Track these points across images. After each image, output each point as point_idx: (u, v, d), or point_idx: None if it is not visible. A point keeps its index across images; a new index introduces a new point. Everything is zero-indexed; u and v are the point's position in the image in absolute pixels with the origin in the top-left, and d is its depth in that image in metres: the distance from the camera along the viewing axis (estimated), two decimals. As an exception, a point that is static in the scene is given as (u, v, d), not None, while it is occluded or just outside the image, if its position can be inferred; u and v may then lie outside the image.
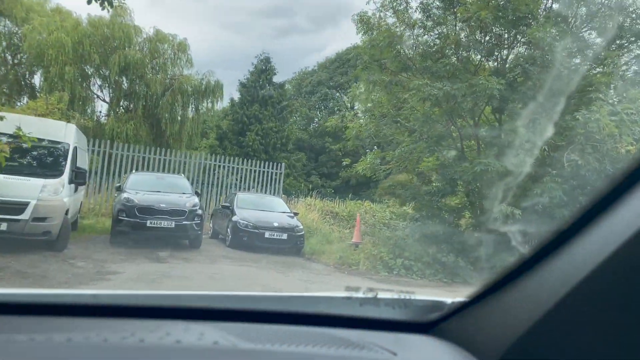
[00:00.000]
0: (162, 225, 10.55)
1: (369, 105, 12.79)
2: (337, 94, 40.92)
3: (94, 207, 15.33)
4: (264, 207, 13.16)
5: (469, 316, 1.11)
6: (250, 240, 11.95)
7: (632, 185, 0.81)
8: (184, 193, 11.64)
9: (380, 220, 17.51)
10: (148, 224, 10.47)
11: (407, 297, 1.26)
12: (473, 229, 12.06)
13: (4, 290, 1.27)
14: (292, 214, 13.29)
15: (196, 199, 11.40)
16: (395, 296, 1.26)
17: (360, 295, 1.27)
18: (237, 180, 18.01)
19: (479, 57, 12.25)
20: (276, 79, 33.13)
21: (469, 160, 11.57)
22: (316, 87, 41.42)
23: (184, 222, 10.75)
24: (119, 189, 11.70)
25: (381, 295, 1.27)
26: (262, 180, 18.31)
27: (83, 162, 11.69)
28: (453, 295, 1.28)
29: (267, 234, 11.97)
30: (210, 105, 29.98)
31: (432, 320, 1.22)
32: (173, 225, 10.61)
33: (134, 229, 10.50)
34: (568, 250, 0.87)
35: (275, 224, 12.21)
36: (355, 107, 15.58)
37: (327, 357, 1.04)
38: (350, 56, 38.86)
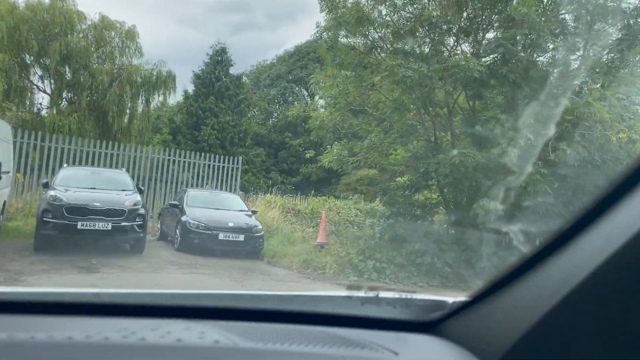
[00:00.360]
0: (97, 228, 9.01)
1: (333, 91, 11.56)
2: (297, 87, 39.59)
3: (24, 207, 13.50)
4: (218, 205, 11.75)
5: (471, 316, 1.09)
6: (201, 243, 10.54)
7: (634, 184, 0.79)
8: (124, 190, 10.11)
9: (346, 218, 16.37)
10: (79, 226, 8.91)
11: (409, 297, 1.25)
12: (450, 226, 11.04)
13: (5, 289, 1.29)
14: (250, 213, 11.93)
15: (138, 197, 9.90)
16: (397, 295, 1.25)
17: (361, 294, 1.26)
18: (191, 176, 16.45)
19: (453, 38, 11.23)
20: (233, 71, 31.54)
21: (445, 151, 10.52)
22: (275, 80, 39.97)
23: (122, 224, 9.24)
24: (46, 186, 10.05)
25: (382, 294, 1.25)
26: (218, 176, 16.81)
27: (3, 155, 10.00)
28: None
29: (221, 236, 10.58)
30: (162, 98, 28.18)
31: (434, 320, 1.20)
32: (109, 227, 9.09)
33: (62, 232, 8.92)
34: (570, 249, 0.86)
35: (231, 224, 10.83)
36: (317, 97, 14.27)
37: (328, 357, 1.04)
38: (310, 49, 37.63)
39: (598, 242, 0.81)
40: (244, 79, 33.70)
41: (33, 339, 0.96)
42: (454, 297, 1.22)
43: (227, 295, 1.36)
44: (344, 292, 1.31)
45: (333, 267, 10.11)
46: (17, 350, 0.93)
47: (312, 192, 20.33)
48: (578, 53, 10.62)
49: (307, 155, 14.92)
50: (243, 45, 70.32)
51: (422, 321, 1.22)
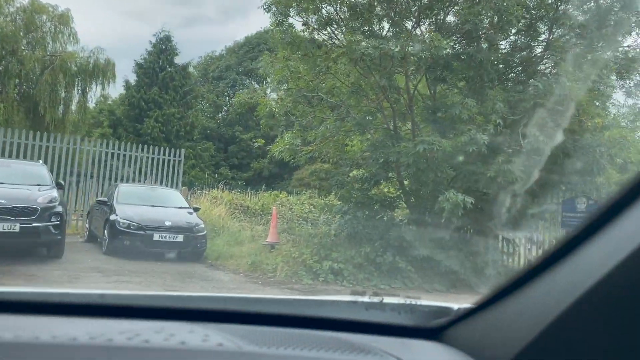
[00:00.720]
0: (1, 230, 7.55)
1: (284, 74, 10.43)
2: (247, 80, 38.11)
3: None
4: (155, 202, 10.39)
5: (476, 323, 1.08)
6: (133, 245, 9.19)
7: None
8: (39, 185, 8.62)
9: (299, 214, 15.28)
10: (-22, 229, 7.42)
11: (413, 302, 1.24)
12: (412, 222, 10.14)
13: (9, 289, 1.29)
14: (192, 210, 10.63)
15: (55, 193, 8.44)
16: (401, 301, 1.24)
17: (365, 299, 1.25)
18: (132, 171, 14.86)
19: (414, 18, 10.30)
20: (178, 61, 29.79)
21: (407, 140, 9.60)
22: (224, 72, 38.33)
23: (34, 224, 7.80)
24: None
25: (387, 299, 1.25)
26: (160, 170, 15.29)
27: None
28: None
29: (156, 236, 9.26)
30: (100, 88, 26.19)
31: (438, 326, 1.19)
32: (17, 229, 7.64)
33: (-44, 235, 7.41)
34: (576, 257, 0.85)
35: (168, 223, 9.51)
36: (267, 83, 13.05)
37: None
38: (260, 40, 36.22)
39: (605, 250, 0.79)
40: (191, 69, 31.95)
41: (37, 339, 0.96)
42: (458, 304, 1.19)
43: (231, 298, 1.37)
44: (348, 297, 1.29)
45: (285, 269, 9.00)
46: (21, 350, 0.93)
47: (264, 187, 19.07)
48: (544, 36, 9.94)
49: (256, 145, 13.66)
50: (193, 39, 67.84)
51: (427, 327, 1.20)
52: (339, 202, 10.99)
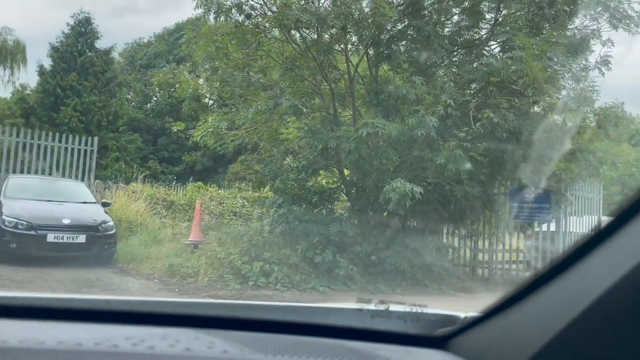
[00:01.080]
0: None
1: (209, 51, 9.12)
2: (178, 68, 35.95)
3: None
4: (53, 197, 8.75)
5: (482, 331, 1.07)
6: (22, 248, 7.60)
7: None
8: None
9: (231, 208, 13.96)
10: None
11: (420, 311, 1.22)
12: (355, 215, 9.14)
13: (15, 294, 1.29)
14: (99, 205, 9.08)
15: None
16: (407, 309, 1.23)
17: (371, 307, 1.23)
18: (48, 165, 12.90)
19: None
20: (100, 45, 27.39)
21: (348, 124, 8.57)
22: (153, 60, 35.91)
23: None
24: None
25: (393, 307, 1.23)
26: (72, 162, 13.43)
27: None
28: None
29: (50, 237, 7.69)
30: (9, 72, 23.58)
31: (445, 335, 1.17)
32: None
33: None
34: (585, 265, 0.83)
35: (66, 221, 7.95)
36: (190, 62, 11.56)
37: None
38: (193, 27, 34.21)
39: (613, 259, 0.78)
40: (115, 54, 29.58)
41: (42, 345, 0.96)
42: (464, 312, 1.18)
43: (237, 305, 1.43)
44: (354, 305, 1.25)
45: (208, 272, 7.73)
46: (26, 355, 0.93)
47: (190, 179, 17.47)
48: (493, 14, 9.19)
49: (175, 129, 12.14)
50: (122, 30, 63.90)
51: (433, 336, 1.18)
52: (272, 195, 9.81)
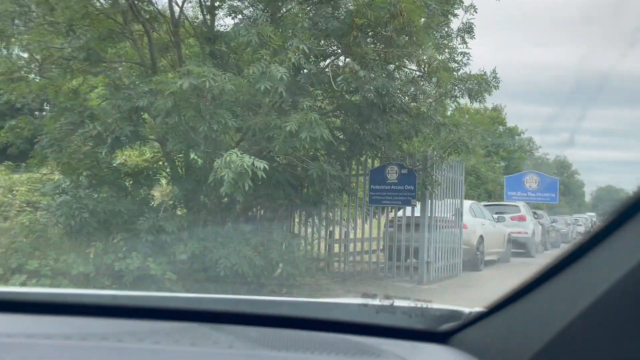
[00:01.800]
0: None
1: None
2: None
3: None
4: None
5: (487, 327, 1.07)
6: None
7: None
8: None
9: (27, 198, 10.61)
10: None
11: (424, 306, 1.22)
12: (179, 203, 6.84)
13: (24, 289, 1.38)
14: None
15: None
16: (412, 304, 1.23)
17: (376, 302, 1.25)
18: None
19: None
20: None
21: (165, 73, 6.20)
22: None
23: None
24: None
25: (397, 303, 1.23)
26: None
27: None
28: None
29: None
30: None
31: (449, 330, 1.17)
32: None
33: None
34: (589, 261, 0.82)
35: None
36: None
37: None
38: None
39: (619, 253, 0.77)
40: None
41: (50, 339, 0.99)
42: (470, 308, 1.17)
43: (242, 300, 1.36)
44: (359, 300, 1.25)
45: None
46: (34, 349, 0.94)
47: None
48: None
49: None
50: None
51: (438, 331, 1.19)
52: (59, 177, 7.03)
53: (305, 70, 6.17)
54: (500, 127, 32.58)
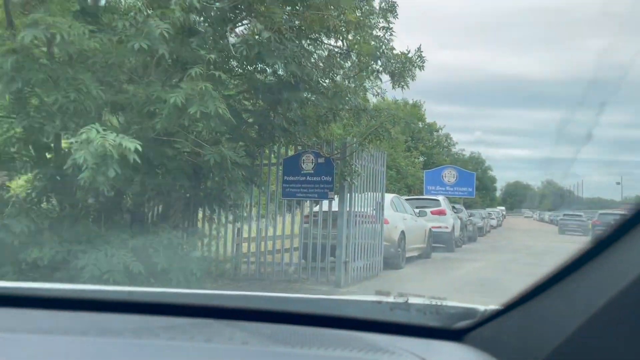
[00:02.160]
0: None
1: None
2: None
3: None
4: None
5: (502, 325, 1.04)
6: None
7: None
8: None
9: None
10: None
11: (439, 303, 1.21)
12: (38, 195, 5.47)
13: (41, 285, 1.34)
14: None
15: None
16: (427, 302, 1.21)
17: (390, 299, 1.23)
18: None
19: None
20: None
21: (17, 29, 4.79)
22: None
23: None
24: None
25: (412, 300, 1.22)
26: None
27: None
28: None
29: None
30: None
31: (464, 328, 1.15)
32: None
33: None
34: (607, 258, 0.79)
35: None
36: None
37: None
38: None
39: (638, 251, 0.75)
40: None
41: (67, 335, 0.99)
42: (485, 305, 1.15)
43: (256, 297, 1.37)
44: (373, 297, 1.25)
45: None
46: (50, 345, 0.95)
47: None
48: None
49: None
50: None
51: (452, 329, 1.17)
52: None
53: (197, 32, 4.99)
54: (420, 123, 32.80)
